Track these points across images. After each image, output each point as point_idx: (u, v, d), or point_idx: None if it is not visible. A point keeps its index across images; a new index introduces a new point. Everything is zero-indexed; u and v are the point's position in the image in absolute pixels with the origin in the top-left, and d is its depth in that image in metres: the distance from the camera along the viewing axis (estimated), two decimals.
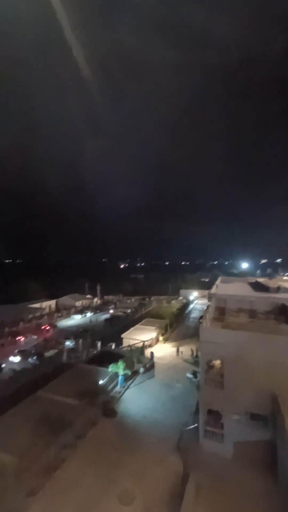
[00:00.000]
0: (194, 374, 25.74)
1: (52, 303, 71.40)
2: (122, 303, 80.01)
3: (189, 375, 26.40)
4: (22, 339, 42.68)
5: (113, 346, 36.20)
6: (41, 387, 23.64)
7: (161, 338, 39.38)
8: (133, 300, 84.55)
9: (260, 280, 34.20)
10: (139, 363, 28.28)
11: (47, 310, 66.23)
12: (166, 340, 39.52)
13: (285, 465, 13.11)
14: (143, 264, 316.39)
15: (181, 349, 34.04)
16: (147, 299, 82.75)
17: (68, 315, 62.64)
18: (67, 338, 40.93)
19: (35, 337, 43.99)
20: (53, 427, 17.66)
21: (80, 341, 38.43)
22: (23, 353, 34.08)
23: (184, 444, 17.14)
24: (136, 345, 35.03)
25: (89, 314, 63.25)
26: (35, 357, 32.47)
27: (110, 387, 24.42)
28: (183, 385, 25.08)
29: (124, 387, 24.50)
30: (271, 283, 30.37)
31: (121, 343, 37.58)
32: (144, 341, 35.86)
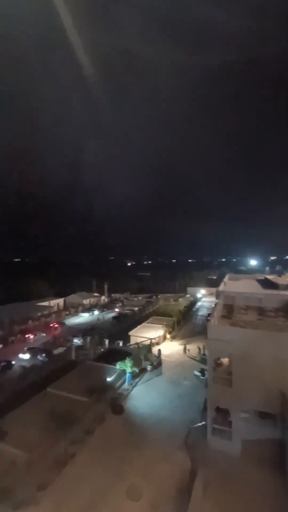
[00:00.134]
0: (202, 371, 25.67)
1: (60, 301, 72.20)
2: (129, 301, 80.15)
3: (197, 373, 26.34)
4: (31, 336, 43.36)
5: (121, 344, 36.41)
6: (50, 383, 24.01)
7: (168, 336, 39.38)
8: (140, 298, 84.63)
9: (269, 277, 33.72)
10: (147, 360, 28.39)
11: (55, 308, 67.01)
12: (173, 338, 39.50)
13: None
14: (150, 262, 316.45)
15: (188, 347, 33.96)
16: (154, 297, 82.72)
17: (76, 313, 63.24)
18: (75, 336, 41.32)
19: (44, 334, 44.62)
20: (62, 423, 17.94)
21: (88, 338, 38.73)
22: (33, 350, 34.60)
23: (191, 441, 17.14)
24: (143, 343, 35.14)
25: (96, 312, 63.66)
26: (44, 354, 32.93)
27: (118, 384, 24.61)
28: (190, 383, 25.04)
29: (131, 384, 24.65)
30: (281, 280, 29.93)
31: (129, 341, 37.74)
32: (151, 339, 35.94)
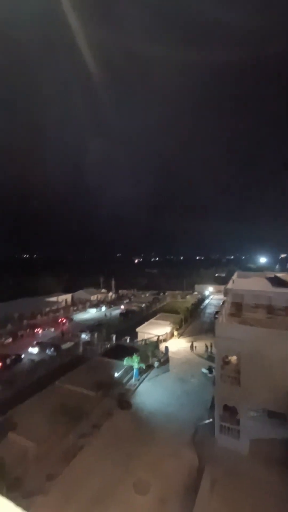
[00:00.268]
0: (210, 369, 25.59)
1: (68, 297, 73.04)
2: (137, 297, 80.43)
3: (205, 370, 26.28)
4: (40, 331, 44.14)
5: (128, 340, 36.61)
6: (59, 377, 24.41)
7: (175, 333, 39.36)
8: (147, 294, 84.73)
9: (279, 275, 33.11)
10: (154, 357, 28.49)
11: (63, 304, 67.89)
12: (180, 335, 39.45)
13: None
14: (157, 258, 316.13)
15: (195, 344, 33.87)
16: (161, 293, 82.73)
17: (83, 309, 63.90)
18: (83, 331, 41.81)
19: (53, 329, 45.33)
20: (70, 416, 18.25)
21: (96, 334, 39.15)
22: (41, 345, 35.20)
23: (199, 438, 17.14)
24: (150, 339, 35.24)
25: (104, 308, 64.18)
26: (52, 349, 33.46)
27: (125, 380, 24.80)
28: (197, 380, 25.01)
29: (138, 380, 24.79)
30: None
31: (136, 337, 37.91)
32: (158, 336, 36.00)
